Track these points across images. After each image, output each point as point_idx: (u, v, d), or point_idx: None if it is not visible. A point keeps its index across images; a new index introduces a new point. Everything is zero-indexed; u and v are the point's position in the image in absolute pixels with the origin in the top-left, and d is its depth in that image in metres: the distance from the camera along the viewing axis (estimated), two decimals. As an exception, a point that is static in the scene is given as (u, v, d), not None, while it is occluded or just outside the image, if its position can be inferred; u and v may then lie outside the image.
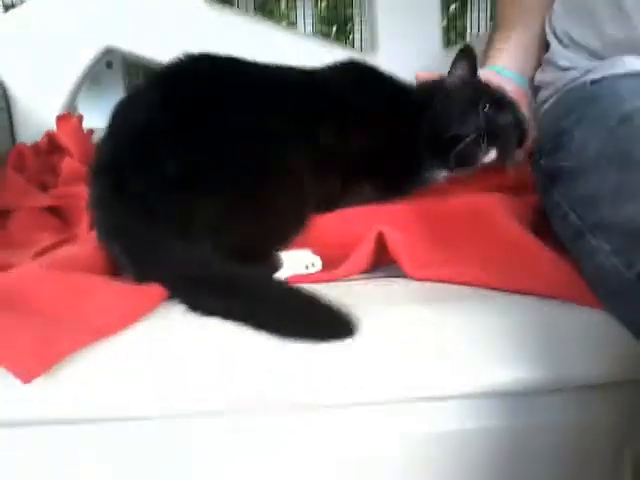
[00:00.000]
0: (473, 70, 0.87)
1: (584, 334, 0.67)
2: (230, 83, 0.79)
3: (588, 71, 0.86)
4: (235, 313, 0.64)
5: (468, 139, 0.82)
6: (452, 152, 0.83)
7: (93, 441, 0.67)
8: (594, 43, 0.88)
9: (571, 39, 0.92)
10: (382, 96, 0.87)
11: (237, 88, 0.78)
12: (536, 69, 0.98)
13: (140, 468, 0.67)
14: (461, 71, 0.87)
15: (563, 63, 0.92)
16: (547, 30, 0.97)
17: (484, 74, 0.91)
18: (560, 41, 0.94)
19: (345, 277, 0.74)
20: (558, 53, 0.93)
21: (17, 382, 0.58)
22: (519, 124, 0.87)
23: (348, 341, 0.62)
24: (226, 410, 0.66)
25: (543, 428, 0.70)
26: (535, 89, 1.00)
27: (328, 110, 0.81)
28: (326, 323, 0.63)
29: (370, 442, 0.69)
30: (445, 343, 0.65)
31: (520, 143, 0.87)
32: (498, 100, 0.86)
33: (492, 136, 0.83)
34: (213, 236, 0.71)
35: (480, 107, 0.83)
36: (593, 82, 0.84)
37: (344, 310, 0.62)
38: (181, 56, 0.82)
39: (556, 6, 0.96)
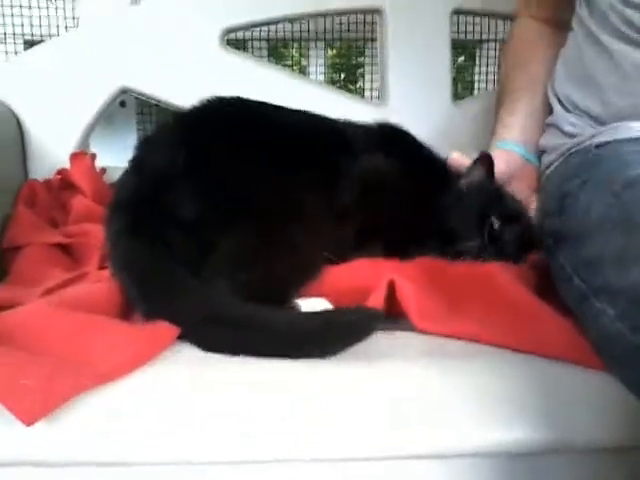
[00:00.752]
0: (490, 176, 0.89)
1: (588, 396, 0.67)
2: (256, 128, 0.80)
3: (593, 136, 0.86)
4: (247, 343, 0.66)
5: (470, 248, 0.83)
6: (452, 249, 0.83)
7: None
8: (596, 109, 0.89)
9: (574, 104, 0.93)
10: (409, 166, 0.87)
11: (263, 133, 0.79)
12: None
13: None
14: (477, 176, 0.88)
15: (568, 129, 0.92)
16: (550, 93, 0.99)
17: (494, 155, 0.91)
18: (563, 106, 0.95)
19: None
20: (562, 118, 0.94)
21: (19, 423, 0.58)
22: (527, 235, 0.87)
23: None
24: (231, 460, 0.66)
25: None
26: (539, 153, 1.01)
27: (351, 167, 0.82)
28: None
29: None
30: (445, 400, 0.65)
31: (526, 252, 0.87)
32: (509, 212, 0.87)
33: (496, 250, 0.84)
34: (228, 278, 0.71)
35: (488, 222, 0.85)
36: (598, 146, 0.84)
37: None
38: (209, 98, 0.83)
39: (558, 70, 0.97)
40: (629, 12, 0.83)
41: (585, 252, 0.71)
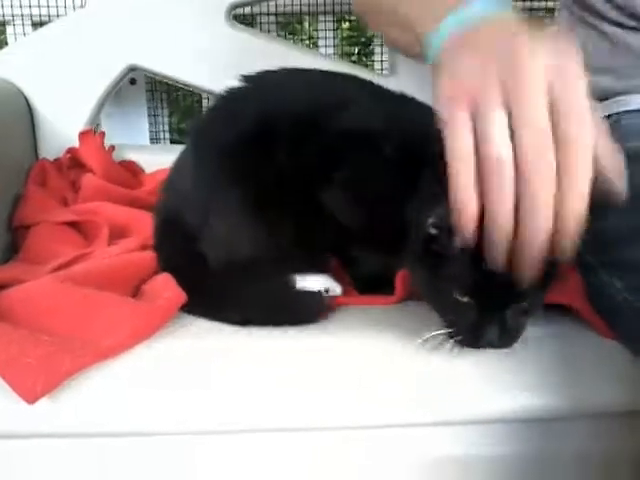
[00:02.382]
0: None
1: (599, 362, 0.69)
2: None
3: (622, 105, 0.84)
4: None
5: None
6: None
7: (96, 454, 0.68)
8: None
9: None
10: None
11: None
12: None
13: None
14: None
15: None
16: None
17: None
18: None
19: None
20: None
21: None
22: None
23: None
24: (230, 429, 0.67)
25: (563, 455, 0.71)
26: None
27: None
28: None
29: (385, 465, 0.70)
30: (459, 368, 0.66)
31: None
32: None
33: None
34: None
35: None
36: (626, 114, 0.83)
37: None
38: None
39: None
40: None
41: (593, 227, 0.69)
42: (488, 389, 0.67)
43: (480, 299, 0.60)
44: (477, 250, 0.53)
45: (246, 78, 0.81)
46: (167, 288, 0.71)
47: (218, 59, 1.30)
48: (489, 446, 0.69)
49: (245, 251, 0.76)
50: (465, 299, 0.60)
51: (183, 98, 1.78)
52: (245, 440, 0.68)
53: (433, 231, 0.59)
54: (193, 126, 0.91)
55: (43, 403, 0.61)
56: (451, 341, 0.62)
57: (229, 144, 0.76)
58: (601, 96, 0.84)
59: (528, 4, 1.49)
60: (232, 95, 0.81)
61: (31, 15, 1.39)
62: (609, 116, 0.82)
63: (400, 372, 0.67)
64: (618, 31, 0.82)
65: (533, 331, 0.65)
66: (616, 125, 0.80)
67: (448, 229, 0.54)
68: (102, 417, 0.65)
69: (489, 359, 0.67)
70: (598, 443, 0.71)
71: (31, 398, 0.60)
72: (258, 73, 0.82)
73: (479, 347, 0.62)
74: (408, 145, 0.69)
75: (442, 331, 0.63)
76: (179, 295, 0.70)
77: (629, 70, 0.82)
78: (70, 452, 0.67)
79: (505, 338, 0.61)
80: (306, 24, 1.89)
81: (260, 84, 0.81)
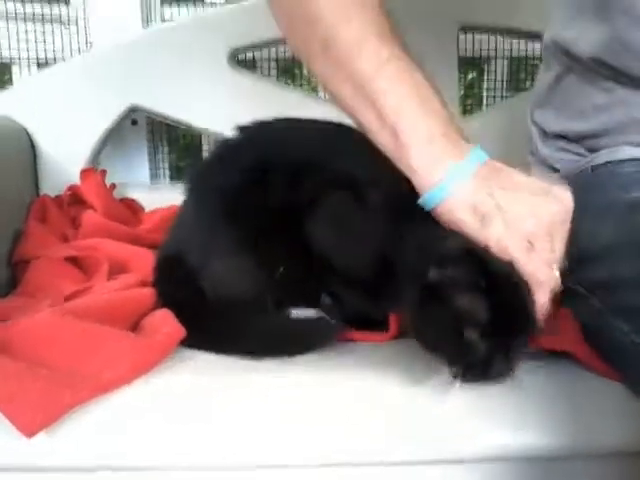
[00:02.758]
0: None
1: (602, 402, 0.69)
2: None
3: (588, 161, 0.86)
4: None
5: None
6: None
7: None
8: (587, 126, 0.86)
9: (562, 135, 0.90)
10: None
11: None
12: None
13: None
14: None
15: (559, 166, 0.91)
16: (532, 130, 0.96)
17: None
18: (552, 143, 0.92)
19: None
20: (553, 158, 0.92)
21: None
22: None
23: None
24: (227, 465, 0.67)
25: None
26: None
27: None
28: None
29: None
30: (460, 405, 0.66)
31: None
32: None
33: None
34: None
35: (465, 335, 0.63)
36: (594, 169, 0.84)
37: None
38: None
39: (537, 105, 0.95)
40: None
41: (599, 274, 0.72)
42: (485, 426, 0.66)
43: (491, 334, 0.61)
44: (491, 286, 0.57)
45: (242, 129, 0.84)
46: (166, 323, 0.72)
47: (219, 101, 1.33)
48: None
49: (243, 288, 0.77)
50: (474, 336, 0.61)
51: (182, 137, 1.81)
52: (242, 476, 0.68)
53: (435, 277, 0.61)
54: (192, 171, 0.93)
55: (41, 437, 0.61)
56: (457, 380, 0.62)
57: (226, 188, 0.78)
58: (596, 146, 0.85)
59: (523, 52, 1.53)
60: (229, 143, 0.85)
61: (37, 58, 1.42)
62: (605, 164, 0.83)
63: (394, 408, 0.67)
64: (613, 85, 0.83)
65: (533, 368, 0.66)
66: (613, 175, 0.81)
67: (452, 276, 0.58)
68: (101, 451, 0.65)
69: (485, 396, 0.67)
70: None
71: (29, 432, 0.60)
72: (254, 123, 0.84)
73: (488, 380, 0.63)
74: (392, 194, 0.71)
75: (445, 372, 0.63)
76: (178, 330, 0.70)
77: (622, 126, 0.83)
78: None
79: (511, 366, 0.63)
80: (305, 70, 1.93)
81: (255, 134, 0.84)
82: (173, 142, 1.70)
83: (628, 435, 0.68)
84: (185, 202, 0.85)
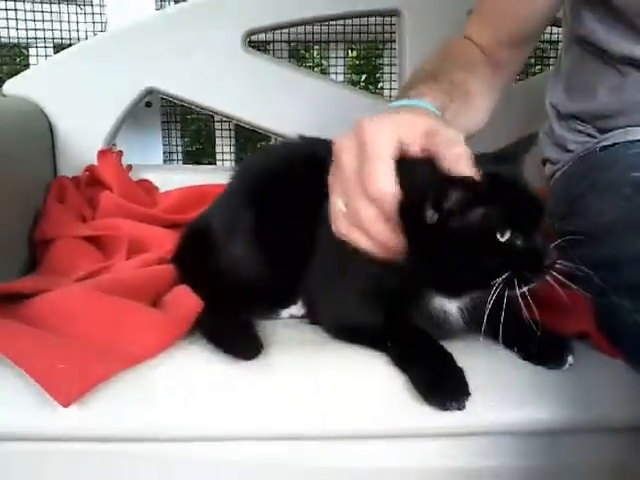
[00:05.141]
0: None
1: (608, 377, 0.71)
2: None
3: (598, 141, 0.87)
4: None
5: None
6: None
7: (127, 459, 0.70)
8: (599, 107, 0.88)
9: (575, 116, 0.92)
10: None
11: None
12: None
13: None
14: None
15: (573, 147, 0.92)
16: (550, 113, 0.98)
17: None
18: (566, 123, 0.94)
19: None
20: (567, 138, 0.93)
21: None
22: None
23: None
24: (257, 435, 0.70)
25: (569, 469, 0.73)
26: (542, 160, 1.01)
27: None
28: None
29: (386, 472, 0.72)
30: (479, 381, 0.67)
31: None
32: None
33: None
34: None
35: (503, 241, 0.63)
36: (602, 149, 0.86)
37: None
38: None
39: (556, 86, 0.97)
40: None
41: (602, 252, 0.73)
42: (490, 400, 0.68)
43: (517, 223, 0.62)
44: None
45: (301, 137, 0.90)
46: (186, 298, 0.75)
47: (233, 83, 1.35)
48: (494, 458, 0.71)
49: (253, 274, 0.81)
50: (506, 235, 0.62)
51: (192, 122, 1.83)
52: (267, 447, 0.71)
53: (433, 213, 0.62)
54: (238, 165, 1.02)
55: (73, 408, 0.63)
56: (516, 287, 0.63)
57: (263, 176, 0.84)
58: (607, 127, 0.87)
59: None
60: (282, 144, 0.98)
61: (53, 38, 1.44)
62: (614, 145, 0.85)
63: (395, 380, 0.68)
64: (627, 67, 0.85)
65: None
66: (620, 155, 0.83)
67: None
68: (131, 423, 0.67)
69: (491, 370, 0.70)
70: (604, 457, 0.73)
71: (66, 402, 0.62)
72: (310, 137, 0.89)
73: (545, 270, 0.64)
74: None
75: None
76: (197, 304, 0.73)
77: (634, 108, 0.84)
78: (97, 457, 0.69)
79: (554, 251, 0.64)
80: (315, 52, 1.94)
81: (308, 142, 0.89)
82: (186, 125, 1.71)
83: (634, 409, 0.70)
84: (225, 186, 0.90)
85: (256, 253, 0.80)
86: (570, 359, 0.69)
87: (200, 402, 0.68)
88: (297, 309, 0.82)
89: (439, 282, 0.67)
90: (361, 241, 0.62)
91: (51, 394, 0.62)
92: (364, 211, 0.61)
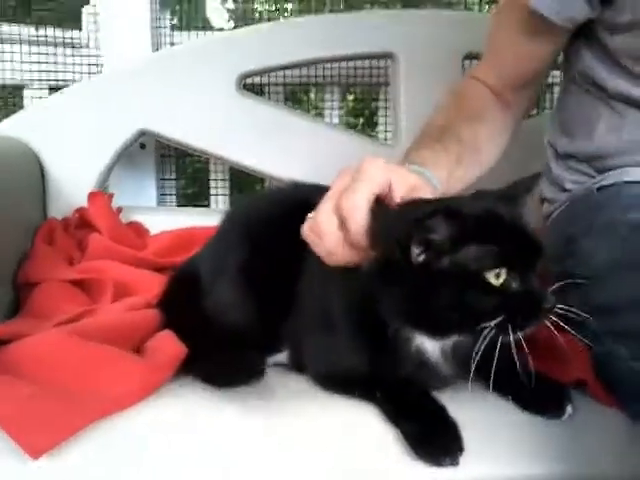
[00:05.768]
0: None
1: (605, 431, 0.69)
2: None
3: (595, 182, 0.86)
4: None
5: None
6: None
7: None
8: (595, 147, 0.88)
9: (572, 155, 0.91)
10: None
11: None
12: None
13: None
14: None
15: (570, 186, 0.92)
16: (548, 152, 0.98)
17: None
18: (563, 162, 0.93)
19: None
20: (564, 178, 0.93)
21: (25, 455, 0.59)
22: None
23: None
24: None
25: None
26: (540, 199, 1.00)
27: None
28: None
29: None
30: (472, 434, 0.64)
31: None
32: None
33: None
34: None
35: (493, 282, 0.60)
36: (600, 189, 0.85)
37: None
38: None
39: (553, 124, 0.97)
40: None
41: (596, 296, 0.72)
42: (486, 454, 0.65)
43: (513, 264, 0.59)
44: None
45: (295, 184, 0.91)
46: (169, 343, 0.72)
47: (227, 126, 1.35)
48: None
49: (240, 317, 0.78)
50: (501, 276, 0.59)
51: (190, 164, 1.82)
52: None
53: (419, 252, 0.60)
54: (229, 210, 1.00)
55: (43, 461, 0.60)
56: (510, 332, 0.59)
57: (251, 221, 0.84)
58: (604, 167, 0.86)
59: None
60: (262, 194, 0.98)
61: (48, 80, 1.44)
62: (611, 185, 0.84)
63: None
64: (625, 107, 0.84)
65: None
66: (617, 196, 0.81)
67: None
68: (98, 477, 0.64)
69: (487, 421, 0.67)
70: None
71: (35, 453, 0.59)
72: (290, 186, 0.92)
73: (542, 316, 0.61)
74: None
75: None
76: (181, 350, 0.71)
77: (635, 145, 0.84)
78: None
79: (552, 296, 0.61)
80: (312, 95, 1.95)
81: (300, 188, 0.89)
82: (181, 167, 1.71)
83: (629, 465, 0.67)
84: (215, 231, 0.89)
85: (242, 298, 0.78)
86: (569, 409, 0.67)
87: (182, 457, 0.64)
88: (283, 356, 0.79)
89: (420, 319, 0.63)
90: (315, 243, 0.67)
91: (20, 444, 0.59)
92: (327, 221, 0.65)
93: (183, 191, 1.79)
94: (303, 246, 0.71)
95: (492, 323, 0.59)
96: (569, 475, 0.66)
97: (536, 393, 0.68)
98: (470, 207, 0.60)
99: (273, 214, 0.83)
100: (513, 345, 0.60)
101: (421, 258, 0.60)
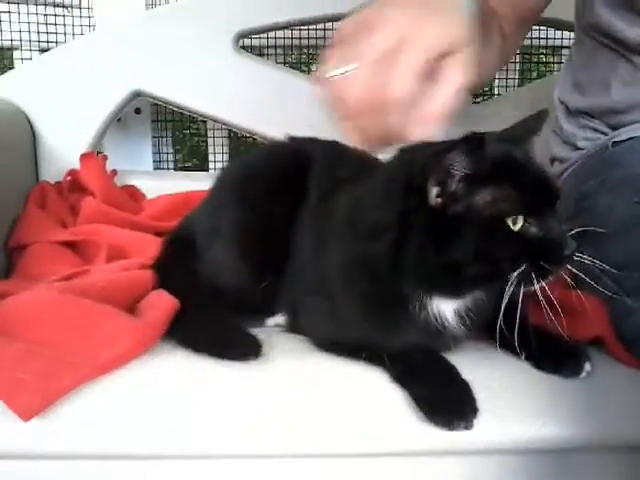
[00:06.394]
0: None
1: (622, 392, 0.66)
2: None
3: (610, 138, 0.84)
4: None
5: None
6: None
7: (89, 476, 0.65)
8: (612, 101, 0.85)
9: (584, 112, 0.89)
10: None
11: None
12: None
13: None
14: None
15: (583, 144, 0.89)
16: (556, 104, 0.95)
17: None
18: (575, 119, 0.91)
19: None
20: (576, 135, 0.90)
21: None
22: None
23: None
24: (228, 453, 0.64)
25: None
26: (550, 159, 0.97)
27: None
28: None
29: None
30: (485, 395, 0.62)
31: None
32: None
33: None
34: None
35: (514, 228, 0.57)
36: (615, 144, 0.82)
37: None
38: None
39: (565, 80, 0.94)
40: None
41: (613, 252, 0.69)
42: (499, 418, 0.62)
43: (532, 209, 0.57)
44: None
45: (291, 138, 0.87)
46: (161, 300, 0.70)
47: (223, 86, 1.30)
48: (502, 477, 0.66)
49: (236, 280, 0.76)
50: (519, 222, 0.56)
51: (188, 129, 1.79)
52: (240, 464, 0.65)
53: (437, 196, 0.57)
54: (222, 170, 0.97)
55: (34, 422, 0.58)
56: (535, 281, 0.57)
57: (243, 179, 0.81)
58: (619, 123, 0.84)
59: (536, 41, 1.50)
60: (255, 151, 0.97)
61: (39, 41, 1.39)
62: (627, 140, 0.81)
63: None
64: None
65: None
66: (632, 151, 0.79)
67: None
68: (93, 438, 0.62)
69: (502, 383, 0.64)
70: (618, 477, 0.68)
71: (26, 415, 0.57)
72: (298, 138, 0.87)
73: (565, 261, 0.58)
74: None
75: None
76: (173, 304, 0.69)
77: None
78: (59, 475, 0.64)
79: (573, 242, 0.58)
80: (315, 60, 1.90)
81: (294, 144, 0.86)
82: (178, 132, 1.67)
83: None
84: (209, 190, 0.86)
85: (238, 257, 0.76)
86: (587, 366, 0.64)
87: (176, 416, 0.62)
88: (282, 319, 0.77)
89: (440, 279, 0.60)
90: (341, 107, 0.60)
91: (11, 406, 0.57)
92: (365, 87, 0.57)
93: (180, 157, 1.76)
94: (301, 201, 0.69)
95: (514, 274, 0.56)
96: (586, 436, 0.64)
97: (552, 351, 0.66)
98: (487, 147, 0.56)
99: (267, 169, 0.80)
100: (527, 300, 0.58)
101: (438, 200, 0.57)
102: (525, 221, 0.56)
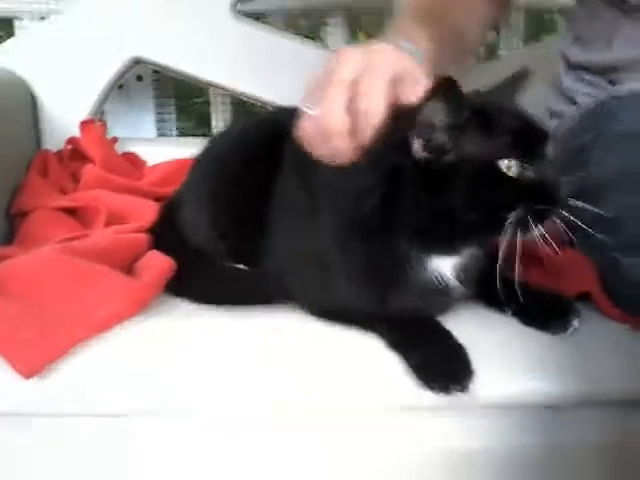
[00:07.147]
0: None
1: (614, 348, 0.66)
2: None
3: (609, 93, 0.83)
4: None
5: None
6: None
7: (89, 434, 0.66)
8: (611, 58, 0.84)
9: (585, 66, 0.88)
10: None
11: None
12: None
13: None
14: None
15: (582, 99, 0.88)
16: (560, 64, 0.94)
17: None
18: (575, 73, 0.90)
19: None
20: (575, 90, 0.89)
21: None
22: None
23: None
24: (224, 412, 0.65)
25: (576, 444, 0.68)
26: (548, 114, 0.96)
27: None
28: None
29: (386, 451, 0.67)
30: (473, 352, 0.62)
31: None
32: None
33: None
34: None
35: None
36: (614, 98, 0.82)
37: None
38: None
39: (567, 36, 0.93)
40: None
41: (603, 208, 0.67)
42: (489, 374, 0.63)
43: (522, 152, 0.57)
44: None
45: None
46: (156, 260, 0.71)
47: (223, 52, 1.30)
48: (490, 437, 0.66)
49: (203, 235, 0.80)
50: (512, 166, 0.56)
51: (190, 96, 1.78)
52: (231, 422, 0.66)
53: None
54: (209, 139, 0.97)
55: (33, 382, 0.60)
56: (532, 225, 0.57)
57: (221, 153, 0.85)
58: (620, 80, 0.83)
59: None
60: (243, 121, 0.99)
61: (39, 10, 1.39)
62: (624, 96, 0.81)
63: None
64: None
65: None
66: (630, 106, 0.78)
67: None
68: (89, 397, 0.64)
69: (490, 343, 0.65)
70: (606, 432, 0.68)
71: (28, 372, 0.59)
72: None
73: (559, 204, 0.58)
74: None
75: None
76: (168, 264, 0.70)
77: None
78: (58, 432, 0.66)
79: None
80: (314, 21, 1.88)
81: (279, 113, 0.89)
82: (179, 98, 1.66)
83: (634, 382, 0.65)
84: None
85: (202, 213, 0.80)
86: (575, 323, 0.65)
87: (172, 375, 0.64)
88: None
89: (435, 233, 0.60)
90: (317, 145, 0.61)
91: (13, 365, 0.59)
92: (338, 120, 0.59)
93: (183, 124, 1.75)
94: (276, 169, 0.70)
95: (511, 218, 0.56)
96: (574, 391, 0.65)
97: (539, 307, 0.66)
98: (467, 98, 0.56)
99: (243, 141, 0.82)
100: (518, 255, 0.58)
101: (425, 154, 0.57)
102: (519, 164, 0.57)
